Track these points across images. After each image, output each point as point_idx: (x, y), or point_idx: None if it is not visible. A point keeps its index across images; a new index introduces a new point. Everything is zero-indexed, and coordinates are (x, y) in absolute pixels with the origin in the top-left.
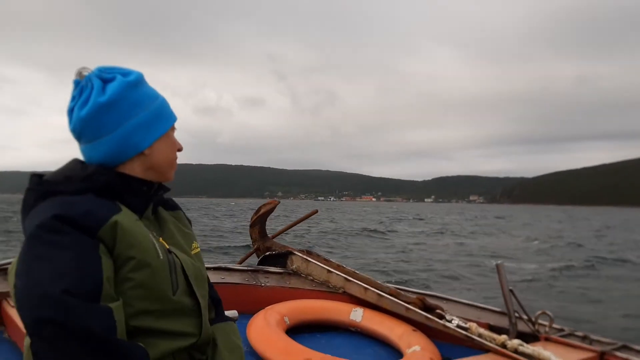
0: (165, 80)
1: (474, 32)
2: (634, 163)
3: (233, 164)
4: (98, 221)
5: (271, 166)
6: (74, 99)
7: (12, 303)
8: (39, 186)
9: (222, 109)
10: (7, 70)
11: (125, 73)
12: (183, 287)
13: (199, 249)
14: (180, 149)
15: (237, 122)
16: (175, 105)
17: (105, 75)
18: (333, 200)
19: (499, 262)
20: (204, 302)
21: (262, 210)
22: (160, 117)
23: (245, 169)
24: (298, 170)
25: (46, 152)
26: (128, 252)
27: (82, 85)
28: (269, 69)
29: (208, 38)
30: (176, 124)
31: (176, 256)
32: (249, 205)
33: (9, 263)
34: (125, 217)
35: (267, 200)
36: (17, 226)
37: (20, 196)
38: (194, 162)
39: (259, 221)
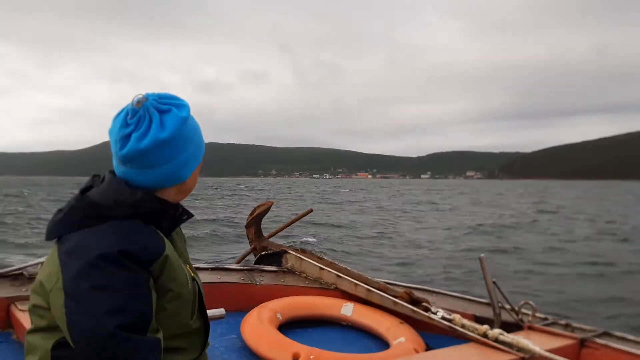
0: (163, 56)
1: (479, 1)
2: (637, 135)
3: (225, 142)
4: (153, 256)
5: (263, 144)
6: (128, 125)
7: (20, 307)
8: (91, 208)
9: (222, 84)
10: None
11: (178, 105)
12: (197, 311)
13: None
14: None
15: (236, 98)
16: (173, 81)
17: (162, 107)
18: (329, 178)
19: (482, 255)
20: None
21: (258, 211)
22: (200, 148)
23: (238, 147)
24: (291, 147)
25: (32, 132)
26: (169, 284)
27: (140, 115)
28: (272, 41)
29: (208, 10)
30: None
31: (197, 282)
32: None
33: (18, 269)
34: (169, 249)
35: (262, 178)
36: None
37: (7, 177)
38: None
39: (254, 222)
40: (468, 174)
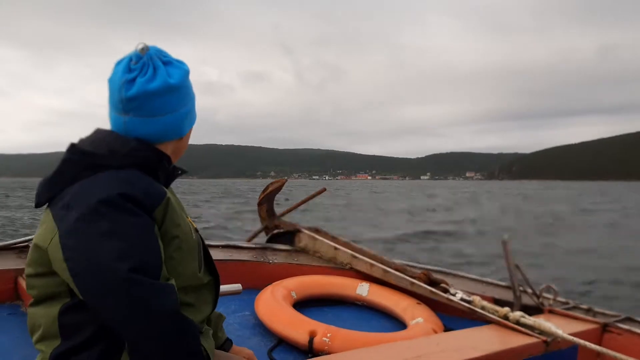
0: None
1: (480, 2)
2: (636, 136)
3: (223, 143)
4: (155, 200)
5: (262, 145)
6: (131, 70)
7: None
8: (85, 158)
9: (222, 85)
10: None
11: (178, 61)
12: (203, 264)
13: None
14: None
15: (236, 100)
16: None
17: (164, 59)
18: (328, 179)
19: (505, 237)
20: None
21: (270, 189)
22: (194, 110)
23: (236, 148)
24: (289, 149)
25: (30, 133)
26: (173, 231)
27: (144, 62)
28: (273, 42)
29: (208, 11)
30: None
31: (199, 235)
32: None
33: (24, 241)
34: (170, 194)
35: (261, 180)
36: None
37: (5, 179)
38: None
39: (266, 200)
40: (468, 174)
